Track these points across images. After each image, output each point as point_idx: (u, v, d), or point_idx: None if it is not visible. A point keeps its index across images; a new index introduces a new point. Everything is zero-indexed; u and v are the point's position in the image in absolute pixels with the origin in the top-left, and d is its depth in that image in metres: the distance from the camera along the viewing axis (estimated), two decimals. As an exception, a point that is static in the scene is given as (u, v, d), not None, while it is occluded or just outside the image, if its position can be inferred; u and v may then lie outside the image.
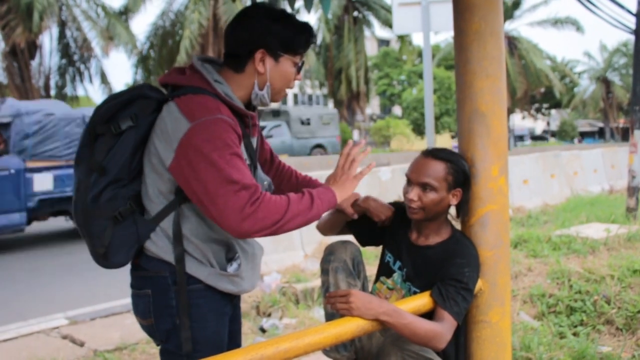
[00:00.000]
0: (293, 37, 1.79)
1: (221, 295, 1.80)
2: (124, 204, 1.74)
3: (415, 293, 2.09)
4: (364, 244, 2.38)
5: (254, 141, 1.91)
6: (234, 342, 1.96)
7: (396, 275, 2.18)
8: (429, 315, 1.94)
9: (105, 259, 1.75)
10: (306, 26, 1.83)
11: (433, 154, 2.08)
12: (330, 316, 2.11)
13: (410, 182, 2.09)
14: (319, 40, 33.11)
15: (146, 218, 1.76)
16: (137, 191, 1.78)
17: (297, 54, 1.83)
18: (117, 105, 1.74)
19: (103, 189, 1.72)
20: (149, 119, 1.74)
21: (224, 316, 1.84)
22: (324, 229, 2.34)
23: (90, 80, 23.14)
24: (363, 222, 2.27)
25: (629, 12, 8.56)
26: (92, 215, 1.72)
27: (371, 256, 6.07)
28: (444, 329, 1.90)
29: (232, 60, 1.80)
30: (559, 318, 4.09)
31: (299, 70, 1.86)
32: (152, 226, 1.75)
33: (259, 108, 1.96)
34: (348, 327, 1.74)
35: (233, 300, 1.90)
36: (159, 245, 1.75)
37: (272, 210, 1.64)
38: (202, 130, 1.62)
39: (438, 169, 2.04)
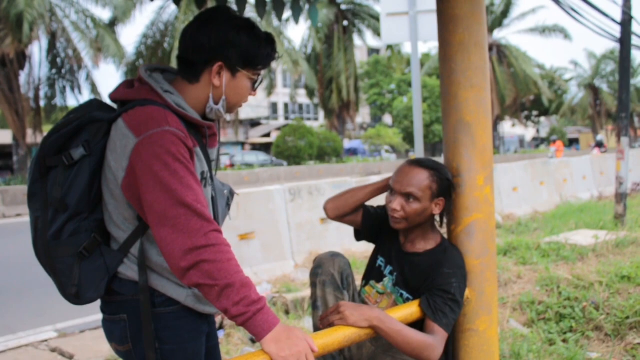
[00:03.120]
0: (255, 53, 1.70)
1: (198, 315, 1.75)
2: (87, 238, 1.64)
3: (406, 299, 2.10)
4: (361, 237, 2.38)
5: (213, 152, 1.82)
6: (213, 357, 1.92)
7: (387, 280, 2.18)
8: (417, 324, 1.95)
9: (77, 297, 1.65)
10: (270, 40, 1.74)
11: (417, 162, 2.10)
12: (318, 329, 2.11)
13: (393, 191, 2.10)
14: (309, 49, 33.23)
15: (113, 247, 1.68)
16: (99, 220, 1.68)
17: (257, 70, 1.74)
18: (67, 134, 1.60)
19: (63, 224, 1.62)
20: (102, 144, 1.62)
21: (201, 335, 1.79)
22: (334, 208, 2.31)
23: (80, 91, 23.04)
24: (375, 218, 2.29)
25: (614, 21, 8.67)
26: (55, 254, 1.63)
27: (362, 266, 6.08)
28: (436, 341, 1.91)
29: (186, 69, 1.70)
30: (548, 325, 4.11)
31: (254, 86, 1.78)
32: (121, 256, 1.66)
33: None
34: (335, 338, 1.74)
35: (209, 318, 1.85)
36: (134, 269, 1.67)
37: (219, 263, 1.49)
38: (150, 145, 1.52)
39: (422, 177, 2.05)
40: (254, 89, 1.79)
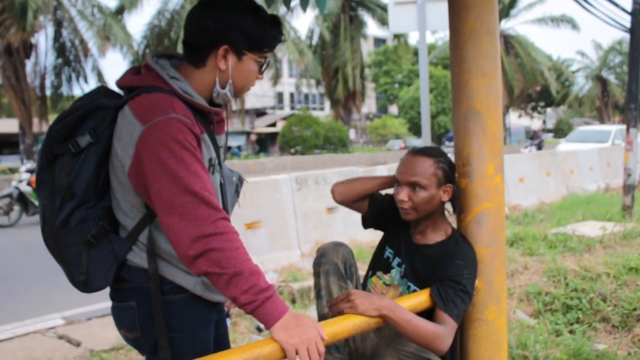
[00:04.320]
0: (261, 35, 1.68)
1: (207, 303, 1.75)
2: (95, 226, 1.63)
3: (413, 291, 2.09)
4: (368, 224, 2.36)
5: (221, 138, 1.81)
6: (221, 345, 1.92)
7: (394, 272, 2.17)
8: (426, 314, 1.94)
9: (85, 284, 1.66)
10: (275, 22, 1.71)
11: (420, 151, 2.08)
12: (322, 318, 2.10)
13: (399, 182, 2.08)
14: (315, 39, 33.09)
15: (122, 235, 1.67)
16: (107, 207, 1.67)
17: (263, 53, 1.72)
18: (73, 121, 1.60)
19: (71, 212, 1.62)
20: (108, 131, 1.61)
21: (210, 323, 1.79)
22: (342, 192, 2.28)
23: (86, 80, 23.07)
24: (381, 205, 2.26)
25: (625, 10, 8.59)
26: (63, 242, 1.63)
27: (368, 255, 6.07)
28: (445, 331, 1.90)
29: (192, 54, 1.69)
30: (555, 316, 4.10)
31: (261, 69, 1.76)
32: (129, 244, 1.66)
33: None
34: (344, 326, 1.74)
35: (217, 306, 1.85)
36: (142, 256, 1.66)
37: (227, 251, 1.48)
38: (156, 133, 1.51)
39: (425, 165, 2.03)
40: (260, 72, 1.76)
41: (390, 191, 2.26)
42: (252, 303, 1.49)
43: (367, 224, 2.37)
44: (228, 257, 1.48)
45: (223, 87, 1.71)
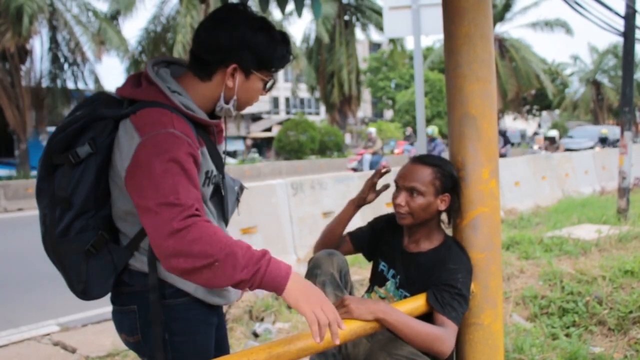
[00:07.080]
0: (270, 56, 1.70)
1: (208, 306, 1.76)
2: (95, 235, 1.65)
3: None
4: (367, 257, 2.39)
5: (220, 148, 1.84)
6: (221, 349, 1.92)
7: (389, 284, 2.18)
8: (423, 319, 1.94)
9: (84, 293, 1.68)
10: (285, 40, 1.73)
11: (421, 159, 2.11)
12: None
13: (398, 187, 2.11)
14: (310, 43, 33.13)
15: (122, 242, 1.69)
16: (107, 216, 1.69)
17: (270, 72, 1.74)
18: (72, 132, 1.61)
19: (71, 222, 1.63)
20: (108, 141, 1.62)
21: (211, 327, 1.80)
22: (321, 246, 2.32)
23: (85, 84, 22.98)
24: (363, 238, 2.32)
25: (618, 14, 8.64)
26: (63, 250, 1.64)
27: (363, 260, 6.07)
28: (446, 333, 1.90)
29: (199, 66, 1.69)
30: (551, 319, 4.11)
31: (265, 87, 1.77)
32: (129, 253, 1.68)
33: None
34: (340, 331, 1.73)
35: (218, 309, 1.86)
36: (143, 261, 1.67)
37: (206, 238, 1.45)
38: (151, 145, 1.53)
39: (425, 173, 2.05)
40: (265, 90, 1.78)
41: (369, 213, 2.28)
42: (257, 272, 1.47)
43: (367, 257, 2.40)
44: (208, 235, 1.46)
45: (227, 103, 1.72)
